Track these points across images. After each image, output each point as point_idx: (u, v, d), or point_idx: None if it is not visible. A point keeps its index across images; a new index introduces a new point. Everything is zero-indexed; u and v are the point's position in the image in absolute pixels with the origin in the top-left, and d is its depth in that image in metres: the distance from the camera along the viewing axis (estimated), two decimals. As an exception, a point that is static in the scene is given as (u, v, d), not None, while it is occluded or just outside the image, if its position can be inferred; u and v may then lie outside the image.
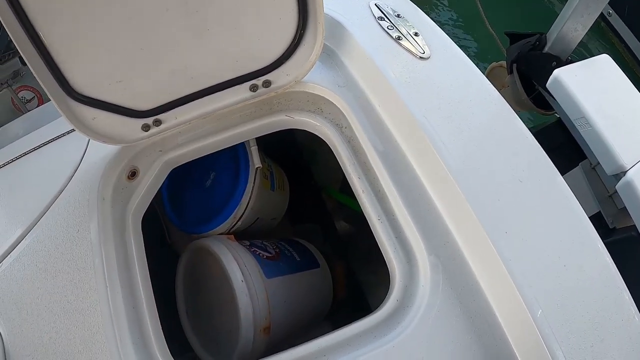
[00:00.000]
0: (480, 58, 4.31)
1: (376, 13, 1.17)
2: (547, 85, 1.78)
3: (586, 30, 2.01)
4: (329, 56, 1.19)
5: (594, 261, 0.87)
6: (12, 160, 1.11)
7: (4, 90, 1.48)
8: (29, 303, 0.91)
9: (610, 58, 2.02)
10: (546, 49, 2.05)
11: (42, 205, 1.00)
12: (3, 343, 0.86)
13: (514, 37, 2.21)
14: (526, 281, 0.78)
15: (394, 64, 1.03)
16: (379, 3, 1.20)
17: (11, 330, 0.88)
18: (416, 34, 1.11)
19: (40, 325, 0.88)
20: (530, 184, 0.89)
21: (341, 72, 1.14)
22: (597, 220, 1.91)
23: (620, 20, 4.78)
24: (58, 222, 0.98)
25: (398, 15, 1.16)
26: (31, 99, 1.56)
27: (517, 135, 0.97)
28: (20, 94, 1.53)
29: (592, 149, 1.71)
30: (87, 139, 1.07)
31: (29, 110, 1.49)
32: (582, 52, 4.81)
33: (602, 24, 4.96)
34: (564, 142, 1.94)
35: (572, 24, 1.98)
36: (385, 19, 1.15)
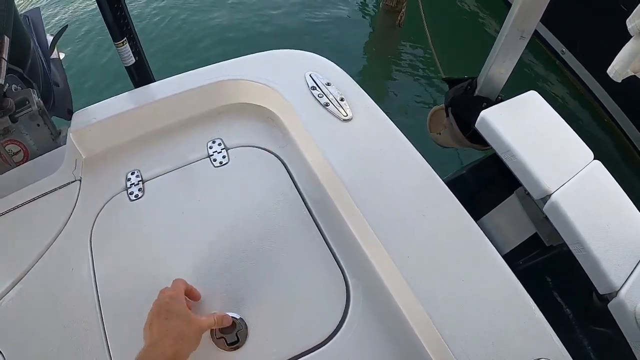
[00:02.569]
0: (435, 101, 4.67)
1: (310, 83, 1.41)
2: (476, 125, 2.02)
3: (509, 72, 2.28)
4: (273, 120, 1.44)
5: (490, 272, 1.03)
6: (11, 210, 1.28)
7: (-6, 144, 1.58)
8: (30, 327, 1.06)
9: (538, 94, 2.27)
10: (477, 92, 2.32)
11: (41, 247, 1.18)
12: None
13: (451, 82, 2.48)
14: (426, 293, 0.97)
15: (322, 127, 1.27)
16: (312, 74, 1.44)
17: (12, 351, 1.02)
18: (342, 99, 1.35)
19: (38, 345, 1.03)
20: (432, 218, 1.10)
21: (282, 134, 1.39)
22: (535, 240, 2.13)
23: (574, 57, 5.06)
24: (56, 261, 1.15)
25: (328, 84, 1.40)
26: (17, 152, 1.63)
27: (424, 176, 1.19)
28: (7, 147, 1.60)
29: (519, 178, 1.93)
30: (76, 193, 1.30)
31: (15, 162, 1.62)
32: (542, 88, 5.14)
33: (557, 62, 5.28)
34: (500, 173, 2.16)
35: (497, 69, 2.25)
36: (317, 87, 1.39)
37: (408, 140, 1.26)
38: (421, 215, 1.09)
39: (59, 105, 2.11)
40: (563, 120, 2.18)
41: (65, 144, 1.61)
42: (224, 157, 1.35)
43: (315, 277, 1.08)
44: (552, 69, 5.33)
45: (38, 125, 1.61)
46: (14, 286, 1.13)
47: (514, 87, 2.44)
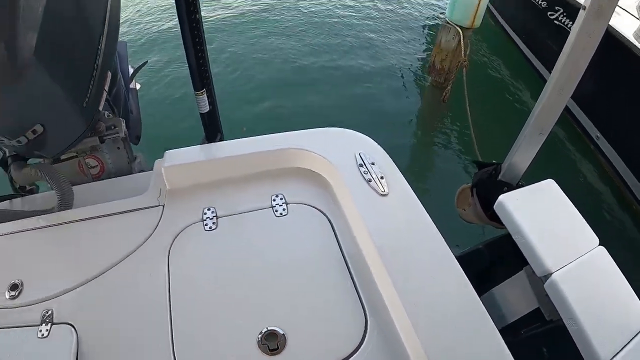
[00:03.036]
0: (467, 177, 4.98)
1: (358, 160, 1.79)
2: (494, 207, 2.33)
3: (529, 162, 2.57)
4: (326, 187, 1.82)
5: (484, 340, 1.30)
6: (101, 217, 1.61)
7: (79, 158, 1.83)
8: (104, 310, 1.36)
9: (554, 182, 2.55)
10: (500, 177, 2.64)
11: (125, 252, 1.50)
12: (77, 336, 1.29)
13: (480, 165, 2.81)
14: (426, 336, 1.27)
15: (364, 198, 1.64)
16: (362, 153, 1.82)
17: (86, 329, 1.31)
18: (382, 177, 1.71)
19: (111, 325, 1.34)
20: (441, 283, 1.41)
21: (331, 198, 1.77)
22: (538, 314, 2.37)
23: (608, 144, 5.15)
24: (137, 264, 1.48)
25: (373, 163, 1.77)
26: (95, 166, 1.89)
27: (439, 251, 1.50)
28: (87, 160, 1.85)
29: (526, 256, 2.20)
30: (159, 216, 1.62)
31: (92, 175, 1.89)
32: (572, 170, 5.36)
33: (591, 146, 5.39)
34: (513, 250, 2.42)
35: (518, 158, 2.56)
36: (364, 165, 1.77)
37: (430, 218, 1.60)
38: (431, 278, 1.42)
39: (131, 132, 2.37)
40: (574, 208, 2.43)
41: (139, 169, 2.00)
42: (284, 209, 1.72)
43: (343, 311, 1.42)
44: (586, 152, 5.51)
45: (118, 148, 1.94)
46: (97, 276, 1.44)
47: (543, 167, 2.69)
